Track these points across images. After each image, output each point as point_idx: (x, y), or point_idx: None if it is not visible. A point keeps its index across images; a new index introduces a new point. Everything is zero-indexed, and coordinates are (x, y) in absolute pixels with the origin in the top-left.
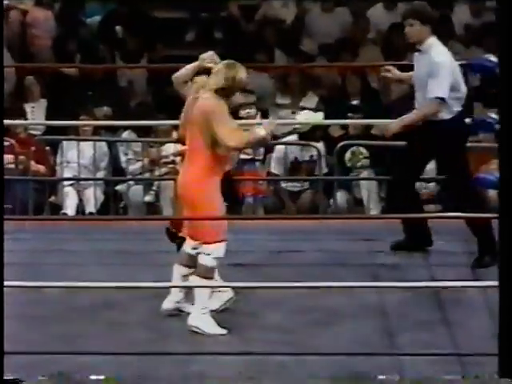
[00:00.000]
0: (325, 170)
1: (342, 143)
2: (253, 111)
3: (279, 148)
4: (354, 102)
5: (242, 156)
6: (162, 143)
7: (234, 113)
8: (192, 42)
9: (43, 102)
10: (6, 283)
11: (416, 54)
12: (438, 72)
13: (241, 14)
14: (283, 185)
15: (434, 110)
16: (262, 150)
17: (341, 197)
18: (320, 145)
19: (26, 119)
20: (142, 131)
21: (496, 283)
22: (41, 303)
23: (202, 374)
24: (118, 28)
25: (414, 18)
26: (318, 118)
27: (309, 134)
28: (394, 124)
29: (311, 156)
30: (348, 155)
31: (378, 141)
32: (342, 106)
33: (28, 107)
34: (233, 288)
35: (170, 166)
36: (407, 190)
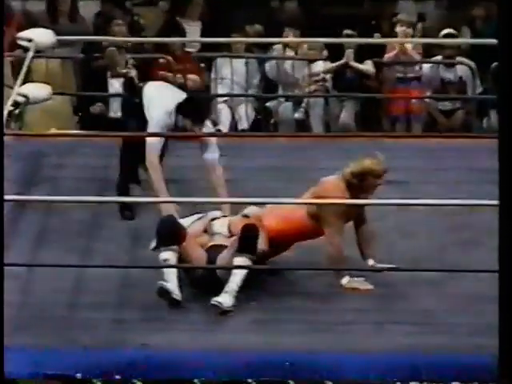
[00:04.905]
0: (479, 90)
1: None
2: None
3: (426, 67)
4: None
5: (397, 74)
6: (312, 61)
7: None
8: None
9: (199, 23)
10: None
11: None
12: None
13: None
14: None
15: None
16: (417, 67)
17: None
18: (472, 63)
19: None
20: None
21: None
22: None
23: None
24: None
25: None
26: None
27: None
28: None
29: (460, 77)
30: None
31: None
32: None
33: (185, 25)
34: None
35: (320, 83)
36: None
